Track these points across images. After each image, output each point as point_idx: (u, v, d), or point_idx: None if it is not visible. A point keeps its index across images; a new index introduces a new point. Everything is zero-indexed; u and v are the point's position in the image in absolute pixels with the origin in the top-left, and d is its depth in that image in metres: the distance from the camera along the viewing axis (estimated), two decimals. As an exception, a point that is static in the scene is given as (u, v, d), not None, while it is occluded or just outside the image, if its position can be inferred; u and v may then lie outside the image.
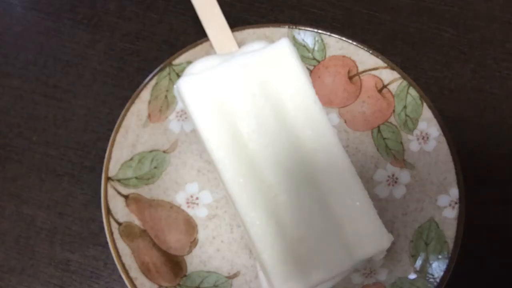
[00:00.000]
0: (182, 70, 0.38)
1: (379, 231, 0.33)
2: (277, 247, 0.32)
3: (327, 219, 0.33)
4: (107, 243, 0.34)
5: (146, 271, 0.34)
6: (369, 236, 0.33)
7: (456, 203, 0.35)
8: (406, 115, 0.38)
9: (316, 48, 0.40)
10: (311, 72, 0.40)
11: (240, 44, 0.39)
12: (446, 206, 0.35)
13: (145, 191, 0.37)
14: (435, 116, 0.37)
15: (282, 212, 0.33)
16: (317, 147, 0.34)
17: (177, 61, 0.38)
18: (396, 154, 0.39)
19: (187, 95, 0.34)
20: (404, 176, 0.38)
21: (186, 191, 0.38)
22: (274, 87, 0.35)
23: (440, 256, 0.34)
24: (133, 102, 0.37)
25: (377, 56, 0.39)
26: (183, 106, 0.36)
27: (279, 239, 0.32)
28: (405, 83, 0.38)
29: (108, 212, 0.34)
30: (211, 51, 0.39)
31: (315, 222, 0.33)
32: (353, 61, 0.40)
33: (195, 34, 0.44)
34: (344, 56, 0.40)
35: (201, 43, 0.39)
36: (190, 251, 0.37)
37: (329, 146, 0.35)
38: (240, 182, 0.33)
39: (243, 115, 0.34)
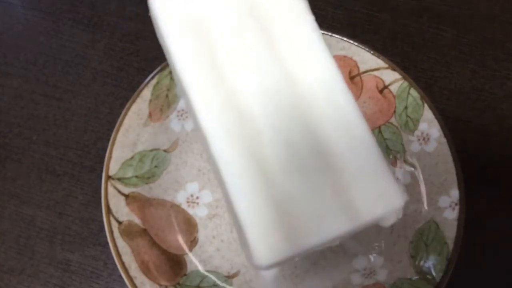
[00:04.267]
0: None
1: (390, 188, 0.27)
2: (258, 198, 0.26)
3: (325, 169, 0.27)
4: (107, 243, 0.34)
5: (146, 270, 0.34)
6: (377, 192, 0.27)
7: (456, 204, 0.35)
8: (407, 116, 0.38)
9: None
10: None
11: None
12: (447, 207, 0.35)
13: (146, 190, 0.37)
14: (436, 117, 0.37)
15: (267, 156, 0.27)
16: (315, 80, 0.29)
17: (177, 60, 0.38)
18: (396, 154, 0.39)
19: (159, 10, 0.29)
20: (405, 176, 0.38)
21: (187, 190, 0.38)
22: (266, 10, 0.30)
23: (440, 257, 0.34)
24: (134, 101, 0.37)
25: (378, 57, 0.39)
26: (155, 26, 0.30)
27: (261, 189, 0.26)
28: (406, 83, 0.38)
29: (108, 211, 0.34)
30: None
31: (309, 172, 0.27)
32: (355, 61, 0.40)
33: (195, 34, 0.44)
34: (345, 56, 0.40)
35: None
36: (190, 250, 0.37)
37: (331, 80, 0.29)
38: (215, 110, 0.27)
39: (224, 34, 0.29)
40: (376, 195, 0.27)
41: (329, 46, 0.40)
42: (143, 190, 0.37)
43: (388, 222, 0.28)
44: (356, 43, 0.39)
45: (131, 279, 0.33)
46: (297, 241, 0.26)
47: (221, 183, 0.27)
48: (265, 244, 0.26)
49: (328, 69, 0.29)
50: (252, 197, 0.26)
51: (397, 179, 0.38)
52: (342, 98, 0.28)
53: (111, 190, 0.35)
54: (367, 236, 0.37)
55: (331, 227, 0.26)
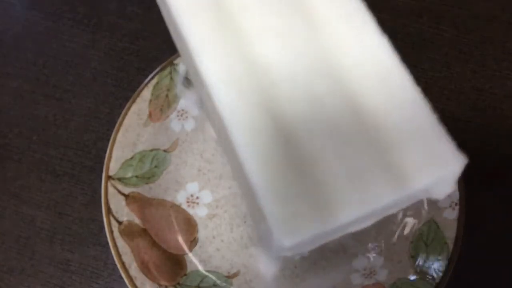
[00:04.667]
0: (183, 70, 0.38)
1: (445, 148, 0.22)
2: (277, 159, 0.21)
3: (361, 127, 0.22)
4: (107, 243, 0.34)
5: (146, 270, 0.34)
6: (429, 154, 0.22)
7: (456, 204, 0.35)
8: (407, 116, 0.38)
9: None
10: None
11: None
12: (446, 207, 0.35)
13: (146, 190, 0.37)
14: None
15: (287, 111, 0.22)
16: (342, 14, 0.25)
17: (178, 60, 0.38)
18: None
19: None
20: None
21: (187, 190, 0.38)
22: None
23: (440, 257, 0.34)
24: (134, 101, 0.37)
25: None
26: None
27: (281, 148, 0.22)
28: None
29: (108, 210, 0.34)
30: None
31: (340, 130, 0.22)
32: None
33: (195, 34, 0.44)
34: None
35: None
36: (190, 250, 0.37)
37: (361, 16, 0.25)
38: (220, 52, 0.23)
39: None
40: (428, 157, 0.22)
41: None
42: (143, 190, 0.37)
43: (442, 192, 0.23)
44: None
45: (131, 279, 0.33)
46: (329, 214, 0.21)
47: (227, 147, 0.23)
48: (288, 217, 0.21)
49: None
50: (270, 157, 0.21)
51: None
52: (376, 41, 0.24)
53: (111, 190, 0.35)
54: (367, 236, 0.37)
55: (374, 195, 0.21)
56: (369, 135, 0.22)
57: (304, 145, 0.22)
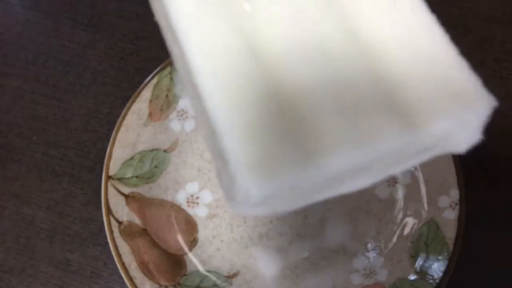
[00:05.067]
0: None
1: (468, 85, 0.18)
2: (243, 94, 0.17)
3: (357, 54, 0.18)
4: (107, 243, 0.34)
5: (146, 270, 0.34)
6: (447, 89, 0.17)
7: (456, 204, 0.35)
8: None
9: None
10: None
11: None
12: (447, 207, 0.35)
13: (146, 190, 0.37)
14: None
15: (264, 35, 0.18)
16: None
17: (177, 60, 0.38)
18: (396, 154, 0.39)
19: None
20: (405, 176, 0.38)
21: (187, 190, 0.38)
22: None
23: (440, 257, 0.34)
24: (134, 101, 0.37)
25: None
26: None
27: (248, 80, 0.17)
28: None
29: (109, 210, 0.34)
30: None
31: (330, 58, 0.18)
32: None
33: (195, 34, 0.44)
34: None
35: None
36: (190, 250, 0.37)
37: None
38: None
39: None
40: (446, 95, 0.17)
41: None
42: (143, 190, 0.37)
43: (463, 141, 0.18)
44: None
45: (131, 279, 0.33)
46: (315, 156, 0.16)
47: (186, 73, 0.18)
48: (259, 158, 0.16)
49: None
50: (236, 85, 0.17)
51: (397, 179, 0.38)
52: None
53: (111, 190, 0.35)
54: (367, 236, 0.37)
55: (373, 133, 0.16)
56: (369, 66, 0.17)
57: (286, 73, 0.17)
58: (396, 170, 0.18)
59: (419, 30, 0.19)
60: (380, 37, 0.18)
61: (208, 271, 0.36)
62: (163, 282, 0.34)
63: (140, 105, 0.37)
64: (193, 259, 0.37)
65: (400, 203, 0.38)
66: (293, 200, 0.17)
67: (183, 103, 0.39)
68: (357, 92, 0.17)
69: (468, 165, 0.37)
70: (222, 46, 0.17)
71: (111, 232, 0.34)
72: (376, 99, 0.17)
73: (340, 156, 0.16)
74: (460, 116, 0.17)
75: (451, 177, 0.36)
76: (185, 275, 0.36)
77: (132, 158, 0.37)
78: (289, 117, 0.16)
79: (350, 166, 0.16)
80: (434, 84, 0.17)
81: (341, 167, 0.16)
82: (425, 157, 0.18)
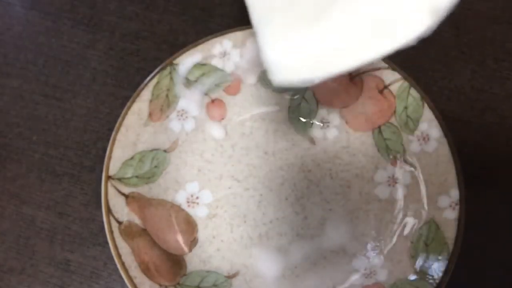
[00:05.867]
0: (183, 70, 0.38)
1: None
2: None
3: None
4: (107, 243, 0.34)
5: (146, 270, 0.34)
6: None
7: (456, 204, 0.35)
8: (407, 116, 0.38)
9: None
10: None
11: (240, 44, 0.39)
12: (447, 207, 0.35)
13: (146, 190, 0.37)
14: (436, 117, 0.37)
15: None
16: None
17: (178, 60, 0.38)
18: (396, 154, 0.39)
19: None
20: (405, 176, 0.38)
21: (187, 190, 0.38)
22: None
23: (440, 257, 0.34)
24: (134, 101, 0.37)
25: (378, 57, 0.39)
26: None
27: None
28: (406, 84, 0.38)
29: (109, 211, 0.34)
30: (210, 51, 0.39)
31: None
32: (354, 61, 0.39)
33: (195, 34, 0.44)
34: (345, 56, 0.39)
35: (201, 42, 0.39)
36: (190, 251, 0.37)
37: None
38: None
39: None
40: None
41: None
42: (143, 190, 0.37)
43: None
44: (356, 43, 0.39)
45: (131, 279, 0.33)
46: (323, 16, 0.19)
47: None
48: (280, 24, 0.19)
49: None
50: None
51: (397, 179, 0.38)
52: None
53: (111, 190, 0.35)
54: (367, 236, 0.37)
55: None
56: None
57: None
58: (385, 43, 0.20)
59: None
60: None
61: (208, 271, 0.36)
62: (163, 282, 0.34)
63: (140, 105, 0.37)
64: (193, 259, 0.37)
65: (400, 203, 0.38)
66: (313, 66, 0.20)
67: (183, 103, 0.39)
68: None
69: (468, 165, 0.37)
70: None
71: (111, 232, 0.34)
72: None
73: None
74: None
75: (451, 177, 0.36)
76: (185, 275, 0.36)
77: (132, 158, 0.37)
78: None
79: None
80: None
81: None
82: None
